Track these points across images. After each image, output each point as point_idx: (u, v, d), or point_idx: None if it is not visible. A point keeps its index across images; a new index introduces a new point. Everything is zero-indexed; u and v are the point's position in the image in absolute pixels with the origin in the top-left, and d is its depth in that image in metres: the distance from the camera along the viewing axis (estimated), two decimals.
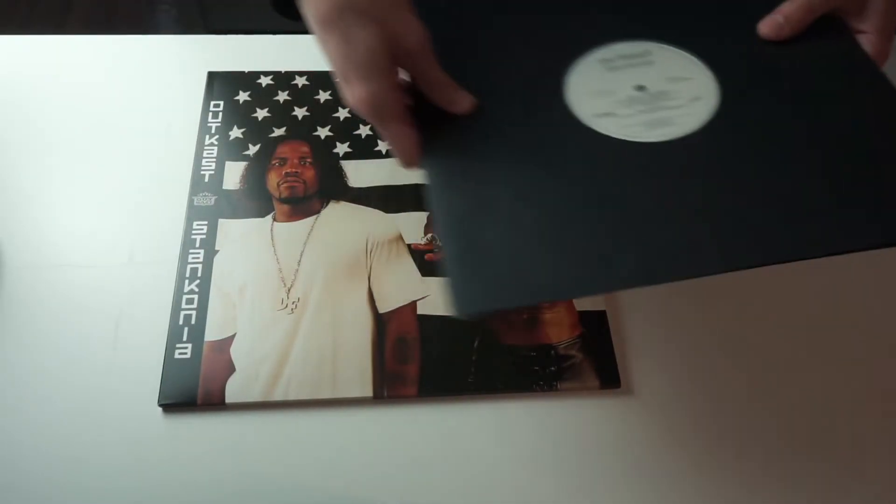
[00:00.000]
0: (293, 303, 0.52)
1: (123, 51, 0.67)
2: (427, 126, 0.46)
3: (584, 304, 0.53)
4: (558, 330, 0.51)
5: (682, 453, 0.48)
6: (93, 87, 0.64)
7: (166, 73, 0.65)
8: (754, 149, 0.45)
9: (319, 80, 0.65)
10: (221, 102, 0.63)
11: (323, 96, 0.64)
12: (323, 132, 0.61)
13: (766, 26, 0.49)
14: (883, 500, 0.47)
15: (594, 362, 0.50)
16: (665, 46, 0.51)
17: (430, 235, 0.56)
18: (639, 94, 0.48)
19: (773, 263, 0.40)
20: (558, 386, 0.49)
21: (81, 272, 0.53)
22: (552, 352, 0.50)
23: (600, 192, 0.44)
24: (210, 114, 0.62)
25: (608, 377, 0.50)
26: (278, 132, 0.61)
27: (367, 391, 0.48)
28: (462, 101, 0.46)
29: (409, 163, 0.44)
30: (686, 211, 0.43)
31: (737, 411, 0.49)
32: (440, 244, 0.44)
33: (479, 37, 0.52)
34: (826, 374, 0.51)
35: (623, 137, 0.46)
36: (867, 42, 0.48)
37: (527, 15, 0.53)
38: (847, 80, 0.48)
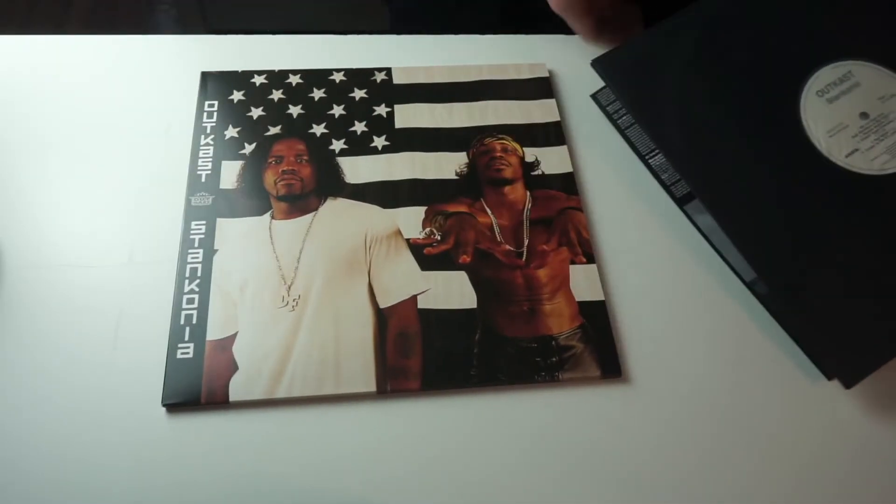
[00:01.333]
0: (294, 300, 0.52)
1: (123, 51, 0.67)
2: (713, 197, 0.52)
3: (582, 294, 0.53)
4: (559, 321, 0.52)
5: (683, 441, 0.48)
6: (92, 87, 0.64)
7: (166, 73, 0.65)
8: None
9: (313, 78, 0.65)
10: (216, 102, 0.63)
11: (317, 94, 0.64)
12: (318, 129, 0.61)
13: None
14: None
15: (595, 352, 0.51)
16: (860, 63, 0.55)
17: (428, 230, 0.56)
18: (865, 122, 0.52)
19: None
20: (560, 376, 0.50)
21: (81, 272, 0.53)
22: (553, 343, 0.51)
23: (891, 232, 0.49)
24: (205, 114, 0.62)
25: (609, 367, 0.50)
26: (273, 130, 0.61)
27: (371, 386, 0.49)
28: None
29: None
30: None
31: (738, 398, 0.50)
32: (784, 323, 0.50)
33: (690, 101, 0.56)
34: None
35: (878, 173, 0.50)
36: None
37: (728, 66, 0.56)
38: None
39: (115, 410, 0.48)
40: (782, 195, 0.51)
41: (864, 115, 0.52)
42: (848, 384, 0.46)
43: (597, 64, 0.58)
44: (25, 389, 0.48)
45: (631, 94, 0.57)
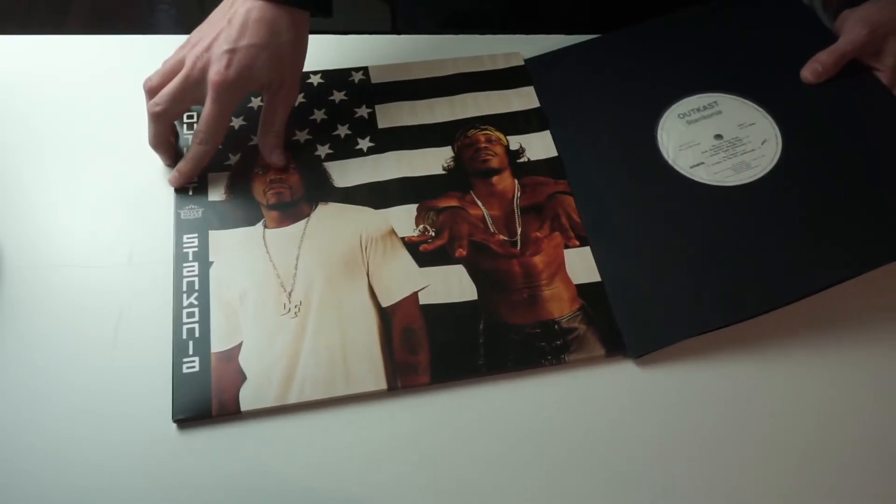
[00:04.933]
0: (296, 306, 0.52)
1: (123, 51, 0.66)
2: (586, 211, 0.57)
3: (579, 276, 0.54)
4: (559, 305, 0.53)
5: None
6: (92, 87, 0.63)
7: None
8: (820, 178, 0.56)
9: None
10: (194, 114, 0.62)
11: (297, 99, 0.63)
12: (302, 136, 0.61)
13: (808, 72, 0.61)
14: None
15: (597, 332, 0.52)
16: (728, 96, 0.62)
17: (421, 227, 0.56)
18: (718, 142, 0.59)
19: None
20: (566, 359, 0.50)
21: (81, 272, 0.53)
22: (556, 326, 0.52)
23: (715, 236, 0.54)
24: (185, 125, 0.61)
25: (613, 344, 0.51)
26: (257, 140, 0.61)
27: (381, 384, 0.49)
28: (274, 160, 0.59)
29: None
30: (786, 242, 0.53)
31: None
32: (608, 293, 0.53)
33: (579, 106, 0.63)
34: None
35: (717, 184, 0.57)
36: (882, 77, 0.60)
37: (613, 82, 0.64)
38: (871, 109, 0.60)
39: (115, 411, 0.48)
40: (625, 192, 0.58)
41: (718, 137, 0.59)
42: (636, 355, 0.51)
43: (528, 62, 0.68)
44: (25, 389, 0.48)
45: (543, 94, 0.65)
